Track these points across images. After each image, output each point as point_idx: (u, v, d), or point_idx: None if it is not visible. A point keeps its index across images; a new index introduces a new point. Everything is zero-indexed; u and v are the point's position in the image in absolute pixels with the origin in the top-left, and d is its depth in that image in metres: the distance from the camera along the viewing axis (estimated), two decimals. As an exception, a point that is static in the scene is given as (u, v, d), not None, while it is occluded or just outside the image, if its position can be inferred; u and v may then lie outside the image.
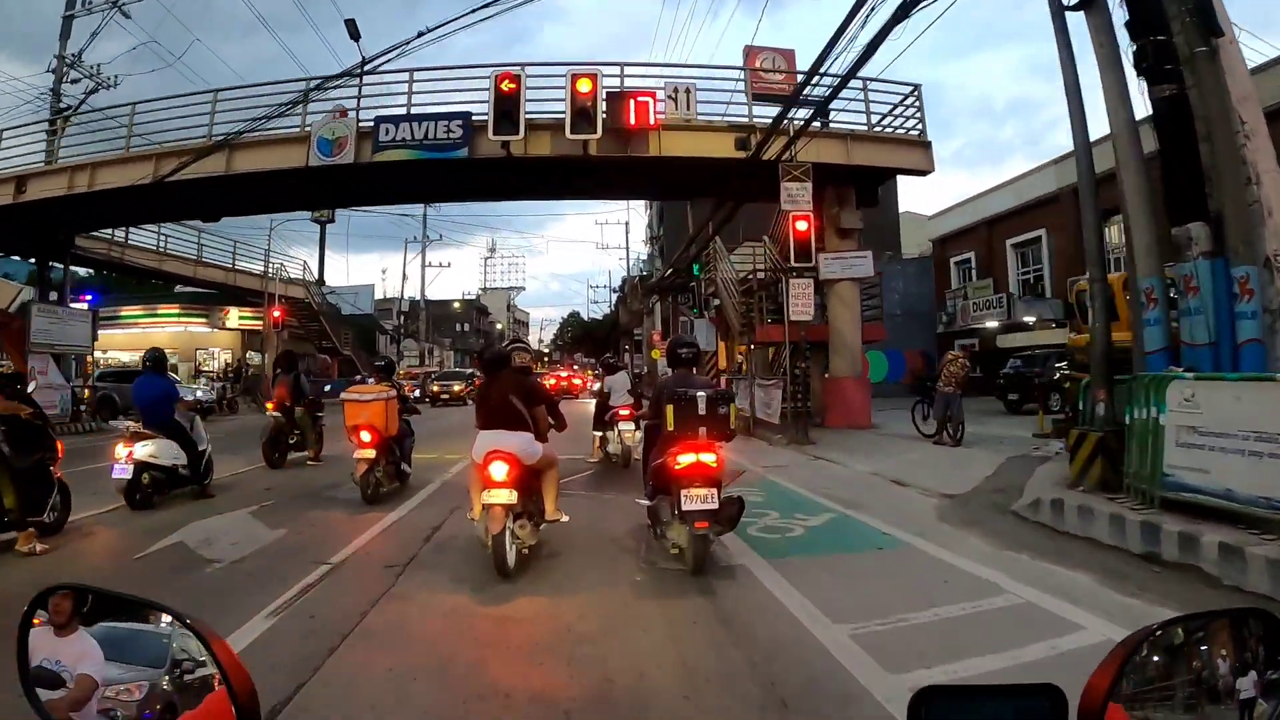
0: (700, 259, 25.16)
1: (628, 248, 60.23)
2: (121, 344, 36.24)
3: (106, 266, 31.02)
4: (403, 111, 17.61)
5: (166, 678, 1.28)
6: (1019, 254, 31.16)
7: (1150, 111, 7.81)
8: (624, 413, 11.70)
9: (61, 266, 24.65)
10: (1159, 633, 1.19)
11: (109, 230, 27.65)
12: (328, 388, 17.24)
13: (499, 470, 5.60)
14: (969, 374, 13.94)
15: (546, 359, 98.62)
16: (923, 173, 18.17)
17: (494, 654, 4.30)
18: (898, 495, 9.25)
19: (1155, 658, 1.20)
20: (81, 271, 53.15)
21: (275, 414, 12.55)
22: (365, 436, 8.94)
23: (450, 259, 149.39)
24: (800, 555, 6.26)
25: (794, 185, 15.24)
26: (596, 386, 13.52)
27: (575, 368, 62.49)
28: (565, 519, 6.46)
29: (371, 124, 17.36)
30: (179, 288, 37.96)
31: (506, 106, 16.04)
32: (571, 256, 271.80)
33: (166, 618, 1.30)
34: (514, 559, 5.64)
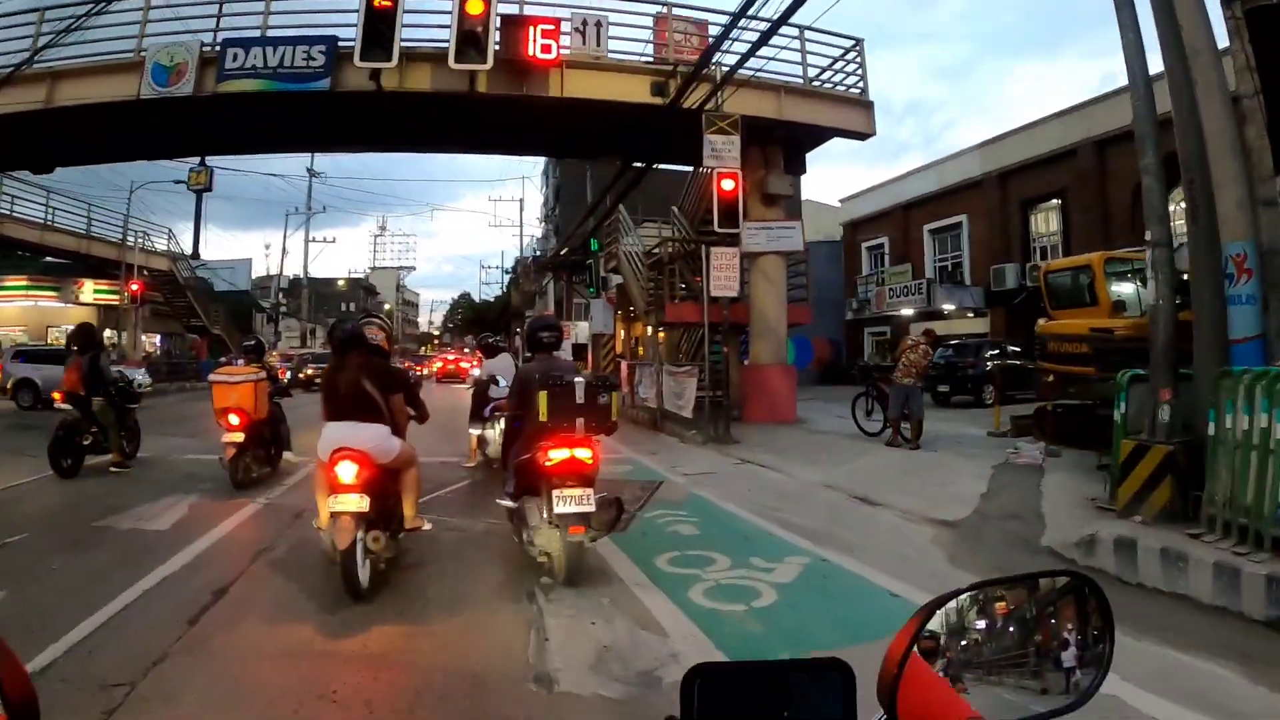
0: (599, 232, 22.57)
1: (521, 225, 57.12)
2: (-33, 320, 31.93)
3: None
4: (257, 35, 14.41)
5: None
6: (936, 240, 29.94)
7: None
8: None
9: None
10: (969, 595, 1.08)
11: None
12: (140, 373, 13.81)
13: (347, 471, 4.78)
14: (931, 362, 11.96)
15: (436, 341, 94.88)
16: (863, 135, 16.06)
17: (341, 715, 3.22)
18: (874, 521, 7.02)
19: (966, 623, 1.09)
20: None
21: (64, 406, 9.54)
22: (234, 419, 8.45)
23: (338, 236, 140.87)
24: (793, 651, 3.86)
25: (719, 138, 12.94)
26: (476, 373, 11.00)
27: (466, 350, 59.95)
28: (428, 527, 5.67)
29: (217, 49, 14.10)
30: (49, 260, 33.24)
31: (378, 25, 12.82)
32: (466, 238, 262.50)
33: None
34: (368, 576, 4.81)
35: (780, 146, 15.77)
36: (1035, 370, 12.37)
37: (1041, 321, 11.06)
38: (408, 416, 5.57)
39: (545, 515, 4.97)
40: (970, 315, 26.79)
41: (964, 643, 1.07)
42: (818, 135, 16.42)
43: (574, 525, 4.82)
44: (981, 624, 1.10)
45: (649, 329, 18.21)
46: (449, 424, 11.20)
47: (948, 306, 26.97)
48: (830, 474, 9.31)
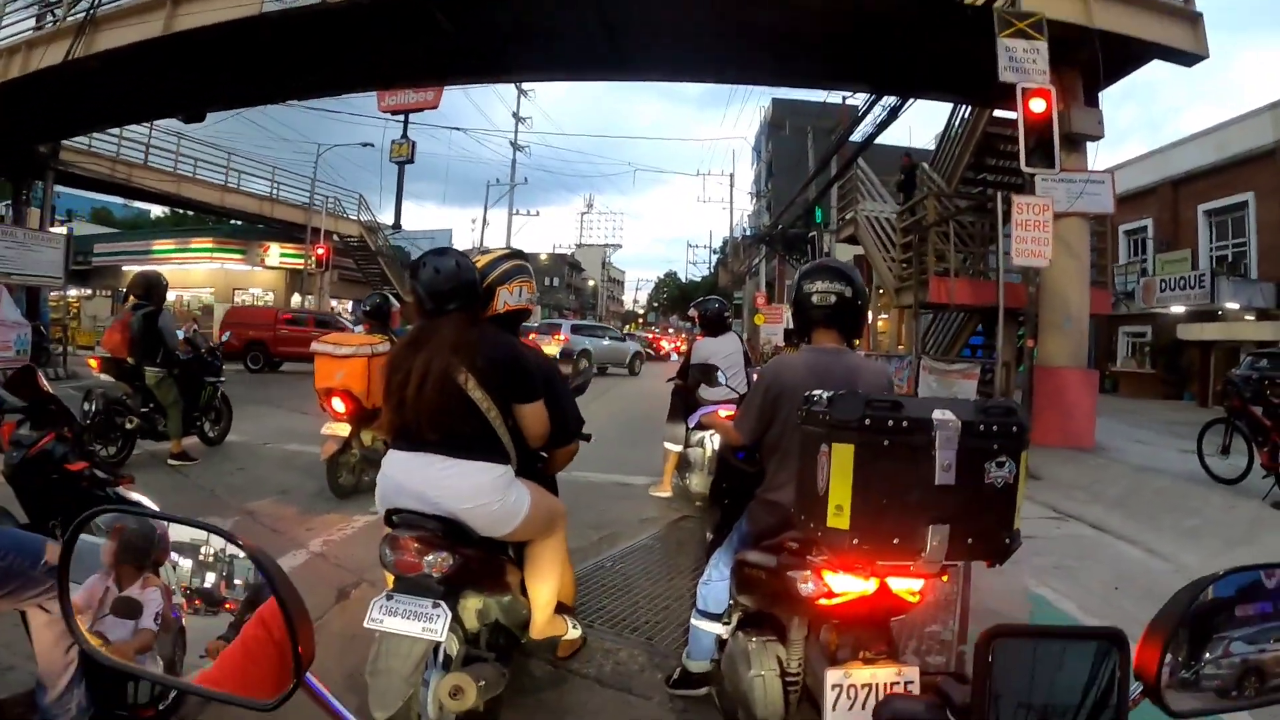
0: (823, 201, 18.95)
1: (732, 199, 54.46)
2: (156, 281, 32.97)
3: (109, 189, 26.44)
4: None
5: (223, 604, 1.12)
6: (1214, 223, 23.96)
7: None
8: (726, 413, 5.59)
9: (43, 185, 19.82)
10: (1225, 577, 1.02)
11: (114, 147, 23.23)
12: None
13: (411, 555, 2.35)
14: None
15: (641, 320, 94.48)
16: (1190, 58, 11.31)
17: None
18: None
19: (1225, 608, 1.02)
20: (156, 210, 49.56)
21: (103, 375, 7.42)
22: (338, 405, 6.27)
23: (545, 212, 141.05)
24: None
25: (1019, 44, 9.12)
26: (677, 355, 7.60)
27: (671, 330, 58.96)
28: (575, 634, 3.14)
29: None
30: (236, 224, 34.08)
31: None
32: (673, 219, 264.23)
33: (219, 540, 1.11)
34: None
35: (1081, 72, 11.50)
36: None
37: None
38: (548, 437, 2.86)
39: (796, 687, 2.30)
40: (1251, 318, 21.25)
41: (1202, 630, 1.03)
42: (1130, 56, 11.59)
43: None
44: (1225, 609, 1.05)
45: (905, 311, 14.53)
46: (640, 416, 8.18)
47: (1232, 305, 21.46)
48: (1231, 558, 5.44)
